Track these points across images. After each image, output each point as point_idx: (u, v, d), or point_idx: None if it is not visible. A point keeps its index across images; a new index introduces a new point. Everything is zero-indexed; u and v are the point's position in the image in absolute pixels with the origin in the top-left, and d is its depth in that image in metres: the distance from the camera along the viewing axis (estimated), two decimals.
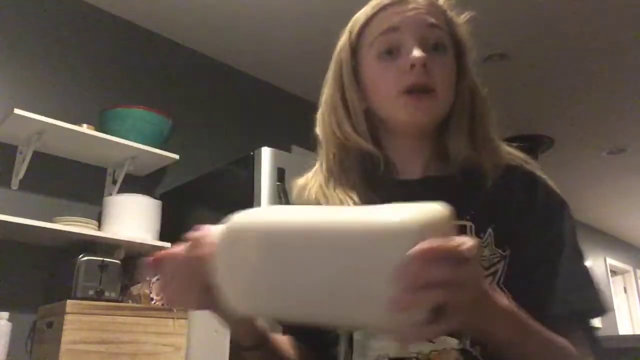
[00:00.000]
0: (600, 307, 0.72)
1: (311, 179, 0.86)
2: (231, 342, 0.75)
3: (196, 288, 0.60)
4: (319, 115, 0.86)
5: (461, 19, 0.83)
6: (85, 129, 2.27)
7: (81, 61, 2.62)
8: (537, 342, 0.62)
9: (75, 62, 2.60)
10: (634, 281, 7.35)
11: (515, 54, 3.19)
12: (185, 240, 0.61)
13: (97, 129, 2.34)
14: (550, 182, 0.79)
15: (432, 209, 0.51)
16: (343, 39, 0.83)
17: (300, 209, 0.57)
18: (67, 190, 2.40)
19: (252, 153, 2.13)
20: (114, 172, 2.55)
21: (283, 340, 0.82)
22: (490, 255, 0.71)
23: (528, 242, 0.73)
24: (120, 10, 2.80)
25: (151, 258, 0.63)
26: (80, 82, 2.59)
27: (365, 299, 0.49)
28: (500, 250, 0.72)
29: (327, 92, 0.85)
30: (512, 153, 0.82)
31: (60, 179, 2.40)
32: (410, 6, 0.77)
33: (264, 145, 2.13)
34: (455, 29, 0.81)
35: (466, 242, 0.47)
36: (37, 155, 2.27)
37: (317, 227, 0.52)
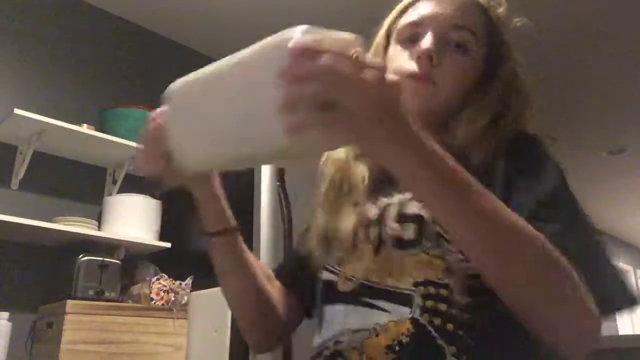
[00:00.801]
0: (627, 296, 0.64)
1: None
2: (201, 228, 0.79)
3: (157, 153, 0.66)
4: None
5: (511, 22, 0.87)
6: (85, 129, 2.27)
7: (81, 61, 2.62)
8: (480, 208, 0.55)
9: (75, 62, 2.60)
10: (634, 281, 7.36)
11: (515, 54, 3.18)
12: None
13: (97, 129, 2.34)
14: (542, 145, 0.79)
15: (333, 32, 0.49)
16: (383, 25, 0.88)
17: (220, 61, 0.58)
18: (67, 190, 2.40)
19: None
20: (114, 172, 2.55)
21: (262, 269, 0.86)
22: None
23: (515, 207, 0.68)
24: (120, 10, 2.80)
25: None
26: (80, 82, 2.59)
27: (266, 119, 0.49)
28: None
29: None
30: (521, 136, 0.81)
31: (60, 179, 2.40)
32: (442, 5, 0.81)
33: None
34: (495, 32, 0.85)
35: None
36: (37, 155, 2.27)
37: (221, 67, 0.56)
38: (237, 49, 0.59)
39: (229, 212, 0.79)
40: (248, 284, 0.82)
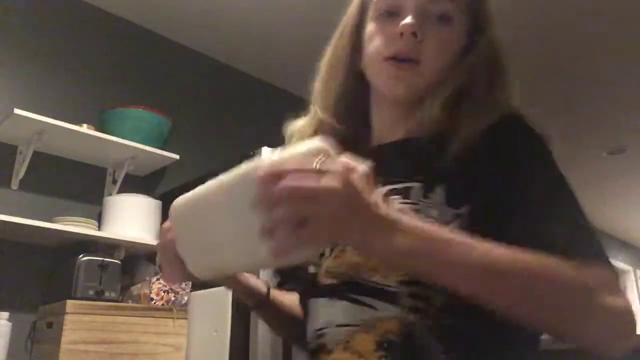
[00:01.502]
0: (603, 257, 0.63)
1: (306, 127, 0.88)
2: (239, 303, 0.88)
3: (177, 266, 0.69)
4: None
5: None
6: (85, 129, 2.27)
7: (81, 61, 2.62)
8: (484, 262, 0.56)
9: (75, 62, 2.60)
10: (634, 281, 7.36)
11: (516, 54, 3.18)
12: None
13: (97, 129, 2.34)
14: (528, 122, 0.74)
15: (300, 145, 0.55)
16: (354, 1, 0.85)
17: (209, 183, 0.63)
18: (67, 190, 2.40)
19: (252, 153, 2.13)
20: (114, 172, 2.55)
21: (289, 298, 0.90)
22: (439, 215, 0.67)
23: (499, 190, 0.67)
24: (120, 10, 2.80)
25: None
26: (80, 82, 2.59)
27: (249, 239, 0.54)
28: (452, 209, 0.67)
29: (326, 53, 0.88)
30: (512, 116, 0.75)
31: (60, 179, 2.40)
32: None
33: (264, 145, 2.13)
34: (476, 2, 0.81)
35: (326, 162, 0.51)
36: (37, 155, 2.27)
37: (208, 190, 0.62)
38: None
39: (256, 286, 0.86)
40: (287, 323, 0.89)
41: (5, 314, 1.96)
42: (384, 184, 0.72)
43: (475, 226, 0.63)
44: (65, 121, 2.21)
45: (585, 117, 4.00)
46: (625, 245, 7.41)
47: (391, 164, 0.75)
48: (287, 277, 0.90)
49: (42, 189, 2.34)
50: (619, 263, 7.05)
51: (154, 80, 2.87)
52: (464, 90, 0.75)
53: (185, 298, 2.11)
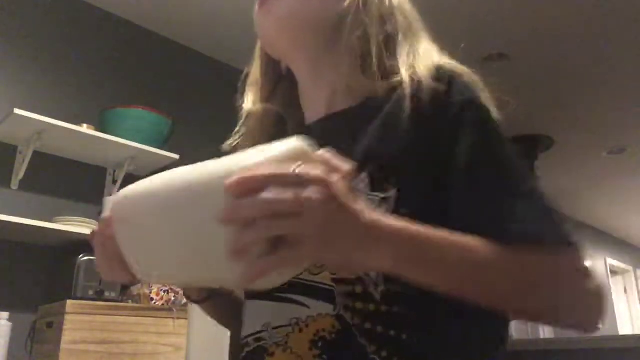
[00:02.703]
0: (566, 238, 0.60)
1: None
2: (185, 297, 0.82)
3: (118, 264, 0.61)
4: None
5: None
6: (85, 129, 2.27)
7: (81, 61, 2.62)
8: (463, 258, 0.54)
9: (75, 62, 2.60)
10: (634, 281, 7.36)
11: (515, 54, 3.19)
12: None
13: (97, 129, 2.34)
14: (466, 84, 0.67)
15: (274, 147, 0.47)
16: None
17: (163, 175, 0.56)
18: (67, 190, 2.40)
19: None
20: (114, 172, 2.55)
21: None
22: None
23: (438, 170, 0.63)
24: (120, 10, 2.80)
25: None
26: (80, 82, 2.59)
27: (212, 255, 0.48)
28: (378, 194, 0.63)
29: None
30: (442, 68, 0.69)
31: (60, 179, 2.40)
32: None
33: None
34: None
35: (305, 167, 0.44)
36: (37, 155, 2.27)
37: (165, 186, 0.53)
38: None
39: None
40: (232, 316, 0.84)
41: (5, 314, 1.96)
42: None
43: (404, 209, 0.61)
44: (65, 121, 2.21)
45: (585, 117, 4.00)
46: (625, 245, 7.42)
47: (331, 142, 0.73)
48: None
49: (42, 189, 2.34)
50: (619, 263, 7.05)
51: (154, 80, 2.87)
52: (367, 50, 0.72)
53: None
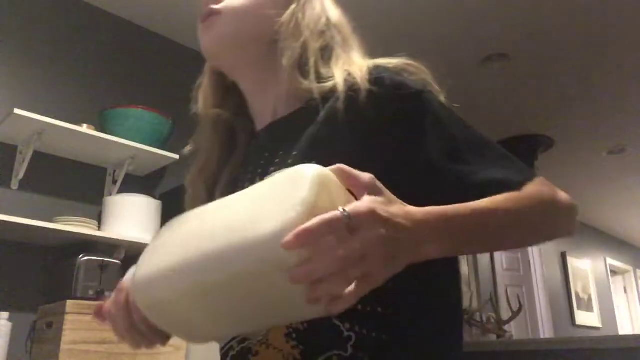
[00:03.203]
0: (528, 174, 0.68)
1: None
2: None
3: (145, 327, 0.63)
4: None
5: None
6: (85, 129, 2.27)
7: (81, 61, 2.62)
8: (494, 220, 0.61)
9: (75, 62, 2.60)
10: (634, 281, 7.36)
11: (515, 54, 3.19)
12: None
13: (97, 129, 2.34)
14: (397, 76, 0.72)
15: (300, 182, 0.47)
16: None
17: (179, 243, 0.54)
18: (67, 190, 2.40)
19: None
20: (114, 172, 2.55)
21: None
22: None
23: (404, 147, 0.68)
24: (120, 10, 2.80)
25: (95, 312, 0.68)
26: (80, 82, 2.59)
27: (285, 307, 0.49)
28: None
29: None
30: (376, 66, 0.73)
31: (60, 179, 2.40)
32: None
33: None
34: None
35: (349, 207, 0.47)
36: (37, 155, 2.27)
37: (190, 271, 0.51)
38: None
39: None
40: None
41: (5, 314, 1.96)
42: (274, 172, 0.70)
43: None
44: (65, 121, 2.21)
45: (585, 117, 4.00)
46: (625, 245, 7.42)
47: (277, 147, 0.76)
48: None
49: (42, 189, 2.34)
50: (619, 263, 7.05)
51: (154, 80, 2.87)
52: (296, 46, 0.76)
53: None
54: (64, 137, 2.26)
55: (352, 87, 0.70)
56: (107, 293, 2.02)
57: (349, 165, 0.65)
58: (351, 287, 0.47)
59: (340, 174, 0.52)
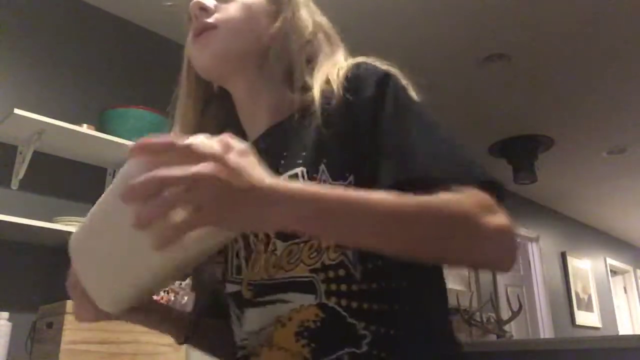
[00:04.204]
0: (479, 173, 0.64)
1: None
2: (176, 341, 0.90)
3: (86, 304, 0.65)
4: None
5: None
6: (85, 129, 2.27)
7: (81, 61, 2.62)
8: (380, 214, 0.56)
9: (75, 62, 2.60)
10: (634, 281, 7.36)
11: (515, 54, 3.19)
12: None
13: (97, 129, 2.34)
14: (368, 67, 0.73)
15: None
16: None
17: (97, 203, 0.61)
18: (67, 190, 2.40)
19: None
20: (114, 172, 2.55)
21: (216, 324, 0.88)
22: None
23: (370, 145, 0.68)
24: (120, 10, 2.80)
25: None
26: (80, 82, 2.59)
27: (136, 248, 0.52)
28: (340, 182, 0.67)
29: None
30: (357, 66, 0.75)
31: (60, 179, 2.40)
32: None
33: None
34: None
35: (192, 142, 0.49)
36: (37, 155, 2.27)
37: (91, 213, 0.60)
38: None
39: (180, 321, 0.87)
40: (222, 343, 0.85)
41: (5, 314, 1.96)
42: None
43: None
44: (65, 121, 2.21)
45: (585, 117, 4.00)
46: (625, 245, 7.42)
47: (269, 155, 0.76)
48: (211, 304, 0.89)
49: (42, 189, 2.34)
50: (619, 263, 7.05)
51: (154, 80, 2.87)
52: (285, 59, 0.79)
53: (185, 298, 2.11)
54: (64, 137, 2.26)
55: (327, 95, 0.72)
56: None
57: (350, 166, 0.67)
58: (183, 217, 0.47)
59: (218, 139, 0.52)
